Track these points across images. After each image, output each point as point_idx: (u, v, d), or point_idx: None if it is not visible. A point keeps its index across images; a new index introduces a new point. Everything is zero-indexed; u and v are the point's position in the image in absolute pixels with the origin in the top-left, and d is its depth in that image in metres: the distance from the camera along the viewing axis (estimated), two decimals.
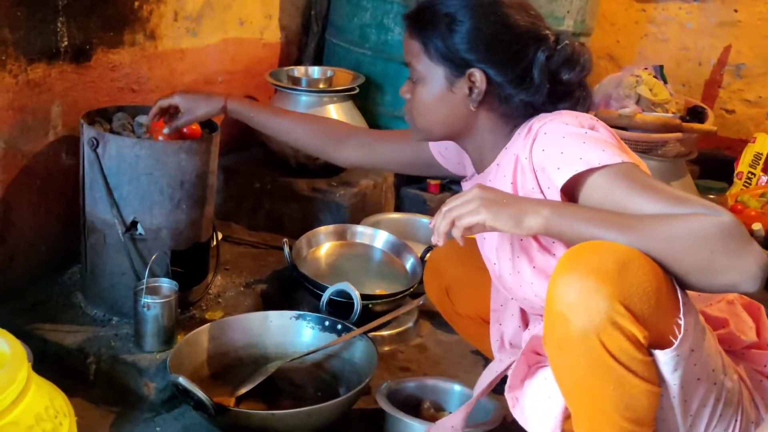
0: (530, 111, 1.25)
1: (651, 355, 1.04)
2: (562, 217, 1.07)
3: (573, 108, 1.26)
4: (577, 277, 1.01)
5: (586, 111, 1.28)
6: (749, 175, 2.96)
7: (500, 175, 1.26)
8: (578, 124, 1.17)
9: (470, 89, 1.25)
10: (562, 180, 1.12)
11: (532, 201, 1.12)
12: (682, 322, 1.05)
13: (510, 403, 1.26)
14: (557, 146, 1.14)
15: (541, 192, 1.18)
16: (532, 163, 1.18)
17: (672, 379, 1.06)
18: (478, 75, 1.23)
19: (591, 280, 1.00)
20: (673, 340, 1.04)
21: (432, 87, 1.27)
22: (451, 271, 1.60)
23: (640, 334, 1.00)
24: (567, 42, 1.25)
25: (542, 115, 1.23)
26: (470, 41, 1.23)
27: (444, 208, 1.13)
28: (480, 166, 1.34)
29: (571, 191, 1.14)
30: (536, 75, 1.22)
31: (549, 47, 1.23)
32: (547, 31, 1.26)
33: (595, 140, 1.13)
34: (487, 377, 1.40)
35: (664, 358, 1.05)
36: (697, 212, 1.03)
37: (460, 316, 1.63)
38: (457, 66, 1.24)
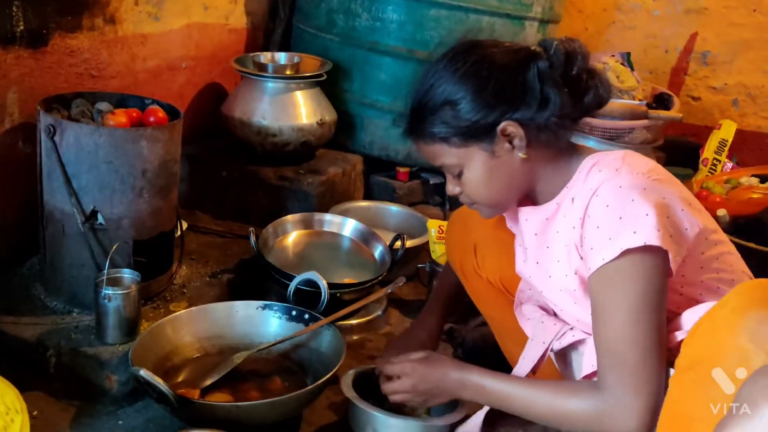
0: (569, 123, 1.23)
1: None
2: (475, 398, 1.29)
3: (597, 98, 1.24)
4: None
5: (608, 94, 1.26)
6: (714, 161, 3.00)
7: (560, 215, 1.26)
8: (630, 187, 1.14)
9: (510, 142, 1.22)
10: (596, 263, 1.14)
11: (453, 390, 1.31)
12: None
13: None
14: (597, 220, 1.16)
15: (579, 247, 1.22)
16: (582, 232, 1.20)
17: None
18: (509, 127, 1.21)
19: None
20: None
21: (476, 167, 1.25)
22: (481, 228, 1.53)
23: None
24: (555, 43, 1.22)
25: (597, 161, 1.22)
26: (480, 106, 1.20)
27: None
28: (537, 199, 1.32)
29: None
30: (551, 90, 1.20)
31: (545, 58, 1.22)
32: (533, 48, 1.24)
33: (634, 215, 1.11)
34: (531, 355, 1.38)
35: None
36: (592, 406, 1.13)
37: (480, 278, 1.57)
38: (485, 133, 1.21)
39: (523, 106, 1.20)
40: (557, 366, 1.43)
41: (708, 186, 2.72)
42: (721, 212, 2.48)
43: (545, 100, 1.20)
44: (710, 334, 0.97)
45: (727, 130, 3.01)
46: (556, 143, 1.25)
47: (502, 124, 1.20)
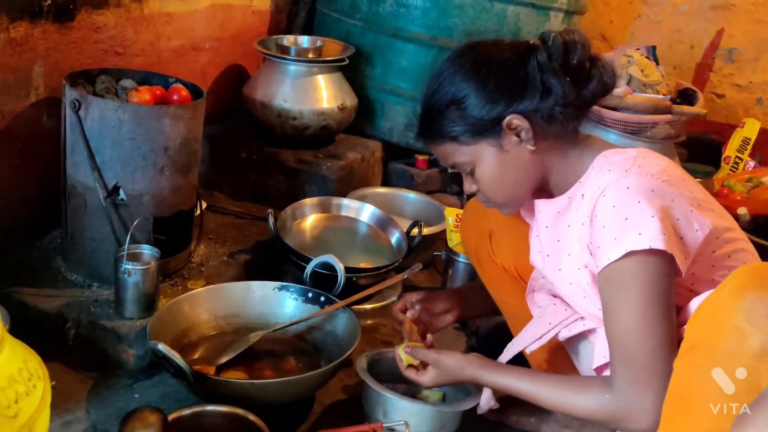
0: (575, 112, 1.24)
1: None
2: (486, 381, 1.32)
3: (602, 85, 1.24)
4: None
5: (613, 81, 1.26)
6: (736, 159, 2.96)
7: (572, 209, 1.26)
8: (637, 189, 1.13)
9: (518, 135, 1.23)
10: (603, 262, 1.14)
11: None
12: None
13: None
14: (604, 220, 1.16)
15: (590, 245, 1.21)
16: (590, 231, 1.20)
17: None
18: (514, 120, 1.22)
19: None
20: None
21: (487, 163, 1.27)
22: (497, 214, 1.51)
23: None
24: (553, 35, 1.23)
25: (609, 160, 1.21)
26: (484, 102, 1.22)
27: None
28: (552, 192, 1.33)
29: None
30: (553, 80, 1.21)
31: (543, 49, 1.22)
32: (530, 41, 1.26)
33: (639, 217, 1.11)
34: (533, 331, 1.40)
35: None
36: (609, 403, 1.13)
37: (494, 264, 1.58)
38: (492, 128, 1.23)
39: (526, 98, 1.21)
40: (571, 356, 1.43)
41: (729, 184, 2.69)
42: (742, 211, 2.45)
43: (547, 89, 1.21)
44: (709, 316, 0.98)
45: (750, 129, 2.98)
46: (564, 134, 1.25)
47: (508, 118, 1.22)
